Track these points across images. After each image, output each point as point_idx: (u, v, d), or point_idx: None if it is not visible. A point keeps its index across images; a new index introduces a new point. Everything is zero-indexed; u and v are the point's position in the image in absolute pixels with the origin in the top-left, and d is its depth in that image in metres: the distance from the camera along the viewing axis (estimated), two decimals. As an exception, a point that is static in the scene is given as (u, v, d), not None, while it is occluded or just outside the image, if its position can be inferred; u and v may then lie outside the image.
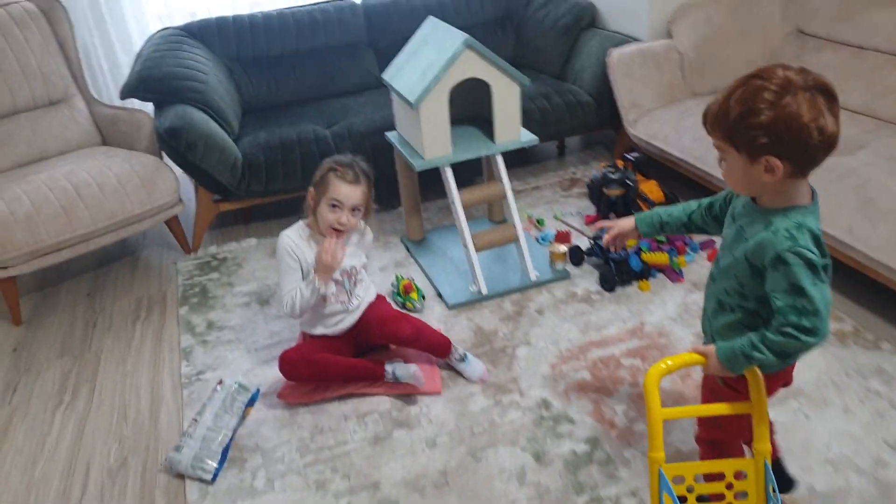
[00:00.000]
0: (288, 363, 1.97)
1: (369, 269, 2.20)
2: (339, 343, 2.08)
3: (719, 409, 1.32)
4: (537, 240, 2.79)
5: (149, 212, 2.63)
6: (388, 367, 2.03)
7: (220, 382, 1.97)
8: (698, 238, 2.69)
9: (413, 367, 2.00)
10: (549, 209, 3.05)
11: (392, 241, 2.89)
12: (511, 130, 2.46)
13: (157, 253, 2.97)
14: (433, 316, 2.38)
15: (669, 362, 1.26)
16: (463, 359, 2.10)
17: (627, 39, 3.19)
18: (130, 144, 2.87)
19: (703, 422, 1.49)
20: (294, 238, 1.98)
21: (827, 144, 1.10)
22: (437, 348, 2.10)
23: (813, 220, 1.17)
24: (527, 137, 2.49)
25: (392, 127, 2.88)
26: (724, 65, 3.08)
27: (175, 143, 2.64)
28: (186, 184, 2.98)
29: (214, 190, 2.84)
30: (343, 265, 2.00)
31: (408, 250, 2.81)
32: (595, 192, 2.85)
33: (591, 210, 2.99)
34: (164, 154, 2.78)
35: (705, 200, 1.46)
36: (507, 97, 2.38)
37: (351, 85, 3.46)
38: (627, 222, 1.55)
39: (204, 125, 2.71)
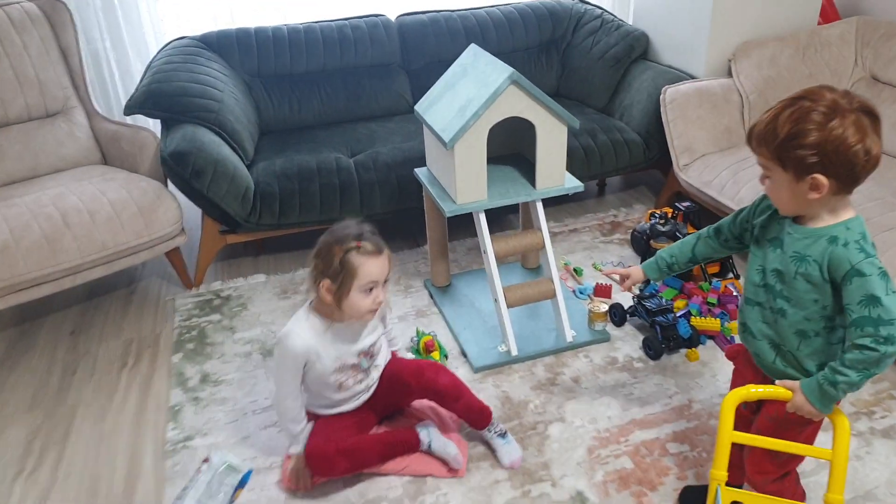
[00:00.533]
0: (322, 459, 1.67)
1: (388, 318, 1.94)
2: (362, 413, 1.82)
3: (794, 448, 1.34)
4: (574, 292, 2.50)
5: (146, 244, 2.38)
6: (423, 434, 1.78)
7: (206, 460, 1.70)
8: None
9: (451, 445, 1.75)
10: (587, 256, 2.76)
11: (415, 285, 2.62)
12: (554, 175, 2.18)
13: (154, 286, 2.71)
14: (456, 382, 2.09)
15: (753, 389, 1.32)
16: (503, 435, 1.83)
17: (682, 76, 2.91)
18: (132, 165, 2.62)
19: (755, 456, 1.45)
20: (308, 338, 1.63)
21: (872, 164, 1.15)
22: (476, 414, 1.82)
23: (867, 232, 1.21)
24: (572, 184, 2.21)
25: (422, 159, 2.62)
26: (790, 109, 2.78)
27: (181, 169, 2.39)
28: (191, 210, 2.73)
29: (222, 221, 2.59)
30: (363, 345, 1.73)
31: (431, 297, 2.53)
32: (640, 243, 2.56)
33: (633, 260, 2.70)
34: (167, 179, 2.53)
35: (706, 230, 1.50)
36: (552, 139, 2.11)
37: (380, 109, 3.20)
38: (637, 271, 1.62)
39: (214, 150, 2.47)
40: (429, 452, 1.78)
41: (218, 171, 2.44)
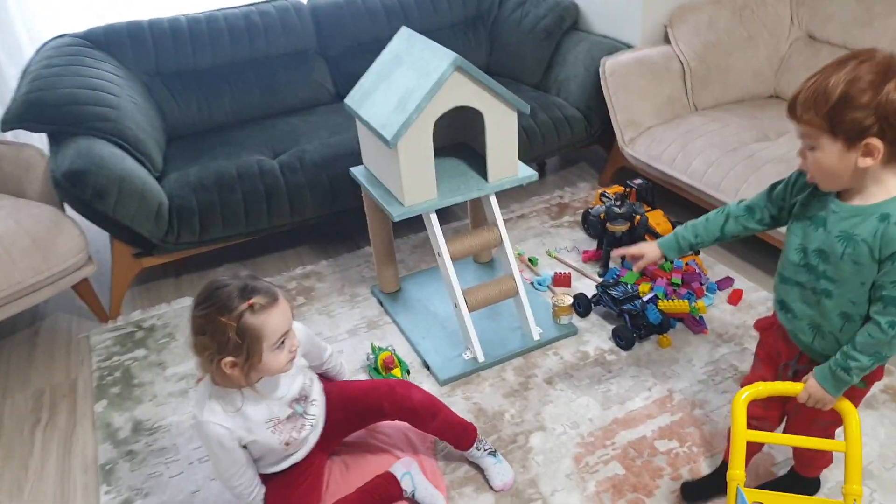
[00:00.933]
0: None
1: (324, 350, 1.69)
2: (312, 459, 1.59)
3: (807, 442, 1.34)
4: (532, 284, 2.37)
5: (46, 279, 2.06)
6: (405, 482, 1.59)
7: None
8: (715, 275, 2.33)
9: (439, 497, 1.59)
10: (539, 244, 2.62)
11: (361, 293, 2.41)
12: (507, 165, 2.01)
13: (63, 323, 2.38)
14: (423, 399, 1.92)
15: (760, 387, 1.31)
16: (493, 454, 1.68)
17: (618, 45, 2.79)
18: (18, 190, 2.26)
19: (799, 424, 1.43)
20: (225, 422, 1.37)
21: None
22: (459, 431, 1.66)
23: None
24: (525, 173, 2.05)
25: (353, 155, 2.40)
26: (728, 75, 2.72)
27: (79, 191, 2.07)
28: (97, 233, 2.41)
29: (134, 243, 2.29)
30: (291, 392, 1.48)
31: (381, 305, 2.33)
32: (596, 227, 2.44)
33: (586, 243, 2.59)
34: (64, 202, 2.20)
35: (735, 208, 1.39)
36: (502, 127, 1.94)
37: (299, 101, 2.93)
38: (653, 251, 1.50)
39: (117, 164, 2.15)
40: (412, 501, 1.61)
41: (124, 189, 2.13)
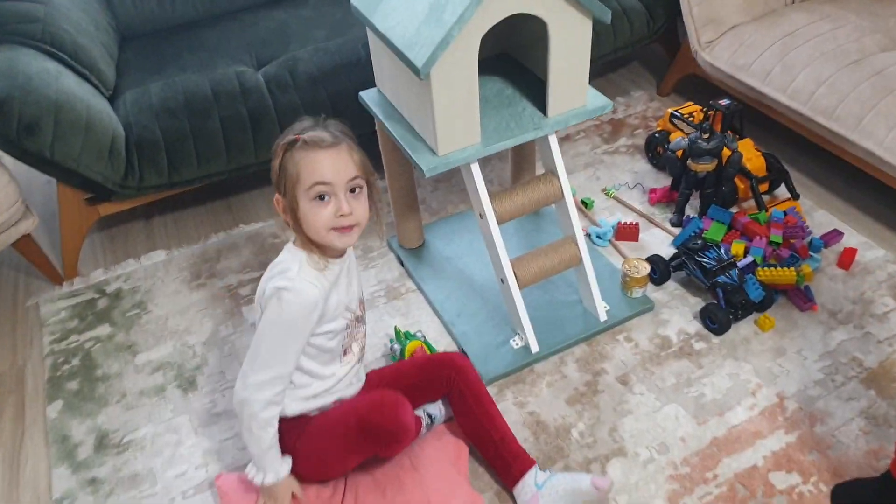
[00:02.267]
0: None
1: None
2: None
3: None
4: (590, 237, 1.90)
5: (-30, 248, 1.58)
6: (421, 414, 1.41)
7: None
8: (817, 227, 1.86)
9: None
10: (592, 177, 2.12)
11: (375, 247, 1.94)
12: (574, 93, 1.48)
13: (6, 289, 1.92)
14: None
15: None
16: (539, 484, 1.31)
17: (700, -88, 2.13)
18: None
19: None
20: (319, 285, 1.17)
21: None
22: (514, 456, 1.33)
23: None
24: (597, 102, 1.52)
25: (360, 64, 1.87)
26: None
27: (1, 125, 1.55)
28: (36, 177, 1.90)
29: (85, 188, 1.78)
30: (356, 290, 1.31)
31: (401, 264, 1.87)
32: (673, 164, 1.93)
33: (651, 177, 2.09)
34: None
35: None
36: (572, 41, 1.39)
37: (286, -12, 2.31)
38: None
39: (51, 85, 1.61)
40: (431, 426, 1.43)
41: (62, 120, 1.61)
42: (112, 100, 1.87)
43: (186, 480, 1.41)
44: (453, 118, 1.36)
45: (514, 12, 1.28)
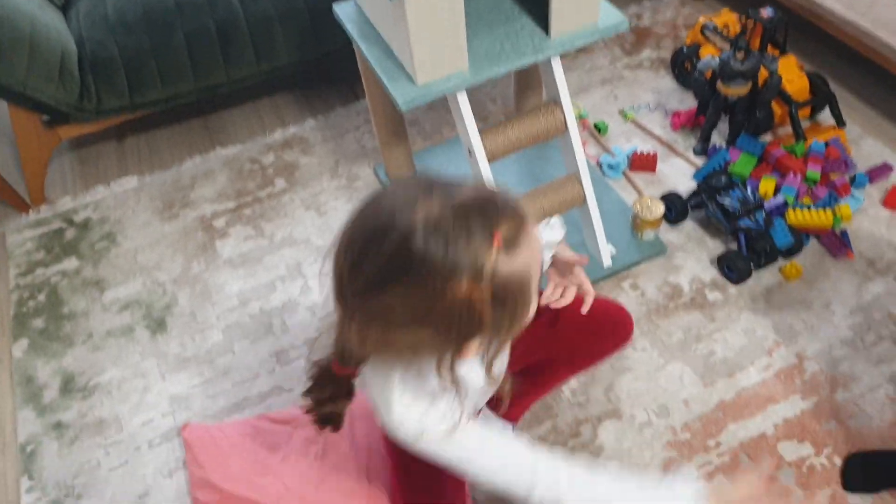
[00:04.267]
0: None
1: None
2: None
3: None
4: (600, 167, 1.71)
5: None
6: None
7: None
8: (863, 159, 1.64)
9: None
10: (609, 96, 1.89)
11: (361, 174, 1.77)
12: (583, 6, 1.25)
13: (-29, 217, 1.81)
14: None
15: None
16: None
17: None
18: None
19: None
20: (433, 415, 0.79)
21: None
22: None
23: None
24: (610, 20, 1.29)
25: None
26: None
27: (-73, 45, 1.38)
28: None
29: (40, 110, 1.62)
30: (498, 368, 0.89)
31: (389, 194, 1.71)
32: (700, 86, 1.69)
33: (676, 97, 1.86)
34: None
35: None
36: (583, -57, 1.15)
37: None
38: None
39: (-19, -3, 1.42)
40: None
41: (3, 38, 1.42)
42: (65, 10, 1.67)
43: (153, 429, 1.34)
44: (434, 39, 1.15)
45: None
